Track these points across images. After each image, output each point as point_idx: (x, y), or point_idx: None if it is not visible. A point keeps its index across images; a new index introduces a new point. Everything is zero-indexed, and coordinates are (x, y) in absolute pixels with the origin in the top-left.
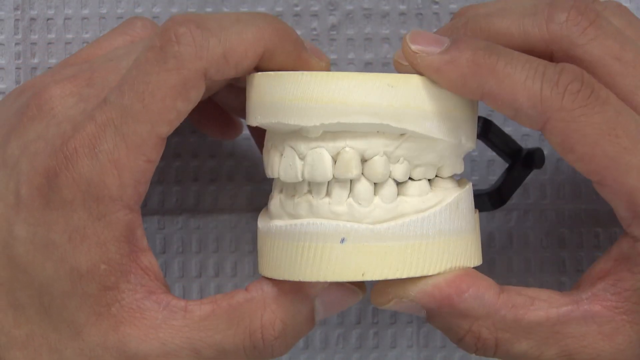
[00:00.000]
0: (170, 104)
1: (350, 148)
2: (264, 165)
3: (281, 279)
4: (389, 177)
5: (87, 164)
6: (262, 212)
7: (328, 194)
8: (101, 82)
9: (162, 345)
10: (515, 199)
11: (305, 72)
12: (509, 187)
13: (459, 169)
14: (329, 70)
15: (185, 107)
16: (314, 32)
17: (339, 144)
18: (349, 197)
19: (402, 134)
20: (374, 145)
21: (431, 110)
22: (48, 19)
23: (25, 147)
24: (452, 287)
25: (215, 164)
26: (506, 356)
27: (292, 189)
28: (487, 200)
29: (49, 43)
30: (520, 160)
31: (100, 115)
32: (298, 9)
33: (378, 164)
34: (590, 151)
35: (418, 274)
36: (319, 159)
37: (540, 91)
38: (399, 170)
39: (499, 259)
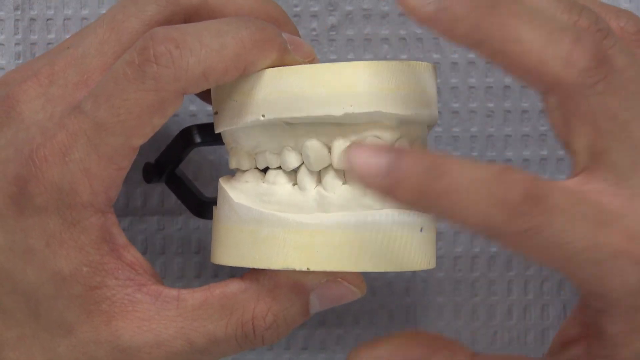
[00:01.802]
0: (146, 120)
1: (422, 139)
2: (310, 159)
3: (360, 270)
4: None
5: (58, 172)
6: (270, 211)
7: None
8: (63, 77)
9: (155, 336)
10: None
11: (407, 62)
12: (166, 164)
13: None
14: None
15: (161, 121)
16: (314, 33)
17: (413, 133)
18: None
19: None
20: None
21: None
22: (48, 19)
23: None
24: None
25: (215, 164)
26: None
27: None
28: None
29: (49, 43)
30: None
31: (72, 125)
32: (297, 9)
33: None
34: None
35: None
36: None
37: (551, 57)
38: None
39: (499, 259)
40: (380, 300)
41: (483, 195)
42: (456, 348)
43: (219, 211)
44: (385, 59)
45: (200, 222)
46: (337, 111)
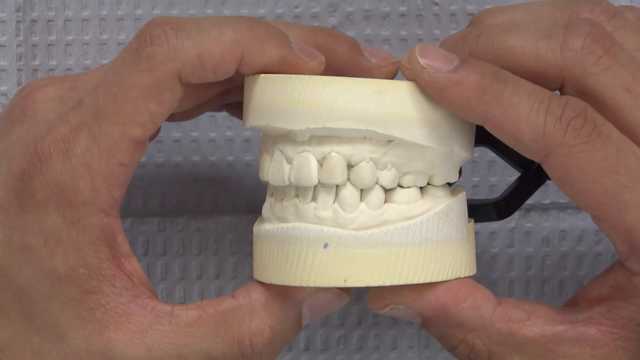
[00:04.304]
0: (142, 106)
1: (337, 153)
2: (258, 169)
3: (268, 282)
4: (376, 183)
5: (60, 167)
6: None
7: (314, 198)
8: (84, 84)
9: (147, 350)
10: None
11: (294, 76)
12: (517, 198)
13: (453, 177)
14: (322, 70)
15: (158, 109)
16: None
17: (326, 148)
18: (334, 202)
19: (389, 141)
20: (360, 151)
21: (419, 118)
22: (49, 21)
23: (6, 150)
24: (450, 296)
25: (216, 165)
26: None
27: (281, 192)
28: (494, 210)
29: (50, 45)
30: (533, 171)
31: (74, 118)
32: (298, 10)
33: (364, 170)
34: (590, 187)
35: (402, 282)
36: (305, 163)
37: (543, 125)
38: (387, 177)
39: (500, 259)
40: None
41: (543, 103)
42: (483, 296)
43: None
44: None
45: (201, 223)
46: (278, 123)
